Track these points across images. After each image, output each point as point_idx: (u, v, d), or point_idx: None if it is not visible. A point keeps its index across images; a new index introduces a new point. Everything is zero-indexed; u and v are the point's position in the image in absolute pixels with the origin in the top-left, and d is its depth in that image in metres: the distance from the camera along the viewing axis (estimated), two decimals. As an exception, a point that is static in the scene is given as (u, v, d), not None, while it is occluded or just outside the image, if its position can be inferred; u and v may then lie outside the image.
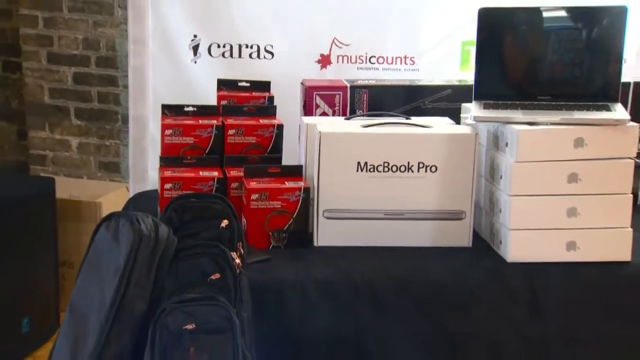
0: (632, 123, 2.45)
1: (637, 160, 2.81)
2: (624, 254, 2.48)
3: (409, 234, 2.53)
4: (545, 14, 2.69)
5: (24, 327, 4.09)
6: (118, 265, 2.15)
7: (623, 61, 2.61)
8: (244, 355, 2.09)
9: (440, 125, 2.62)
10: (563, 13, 2.71)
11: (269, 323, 2.31)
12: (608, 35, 2.62)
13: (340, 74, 3.07)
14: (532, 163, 2.42)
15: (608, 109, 2.50)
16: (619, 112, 2.49)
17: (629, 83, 3.02)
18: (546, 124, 2.43)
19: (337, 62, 3.15)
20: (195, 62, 3.08)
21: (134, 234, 2.17)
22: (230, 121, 2.67)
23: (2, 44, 5.42)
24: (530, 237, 2.45)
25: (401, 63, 3.21)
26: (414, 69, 3.21)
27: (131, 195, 3.05)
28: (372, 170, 2.48)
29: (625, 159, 2.45)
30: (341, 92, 2.86)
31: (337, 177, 2.49)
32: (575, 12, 2.70)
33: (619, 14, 2.59)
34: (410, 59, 3.22)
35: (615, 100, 2.56)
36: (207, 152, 2.65)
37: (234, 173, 2.58)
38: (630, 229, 2.48)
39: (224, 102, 2.78)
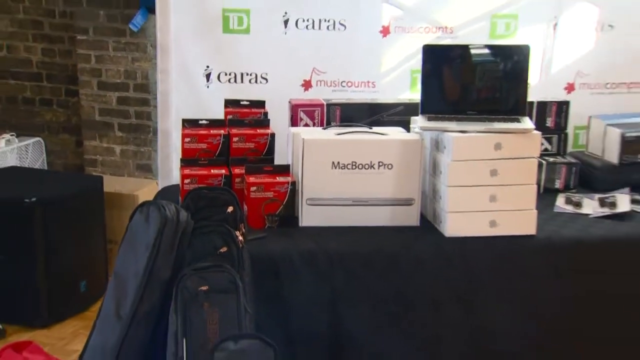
0: (535, 131, 2.47)
1: (540, 159, 2.82)
2: (531, 229, 2.49)
3: (371, 216, 2.51)
4: (473, 50, 2.68)
5: (82, 288, 4.09)
6: (149, 242, 2.16)
7: (528, 85, 2.63)
8: (245, 310, 2.09)
9: (395, 133, 2.61)
10: (486, 50, 2.71)
11: (264, 285, 2.30)
12: (518, 66, 2.62)
13: (319, 94, 3.04)
14: (463, 162, 2.41)
15: (518, 121, 2.50)
16: (527, 123, 2.50)
17: (533, 102, 3.03)
18: (474, 132, 2.43)
19: (317, 85, 3.13)
20: (208, 86, 3.07)
21: (160, 217, 2.17)
22: (234, 131, 2.65)
23: (65, 76, 5.43)
24: (463, 218, 2.45)
25: (365, 86, 3.19)
26: (375, 91, 3.19)
27: (159, 189, 3.03)
28: (343, 167, 2.46)
29: (531, 158, 2.46)
30: (319, 108, 2.85)
31: (317, 173, 2.47)
32: (494, 49, 2.70)
33: (525, 50, 2.61)
34: (372, 83, 3.20)
35: (523, 115, 2.56)
36: (216, 155, 2.62)
37: (237, 171, 2.55)
38: (535, 210, 2.49)
39: (229, 117, 2.76)
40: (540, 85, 3.22)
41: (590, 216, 2.70)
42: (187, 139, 2.65)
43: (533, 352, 2.50)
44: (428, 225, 2.57)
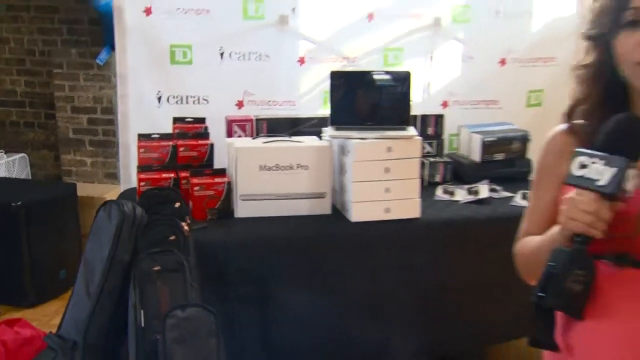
0: (417, 137, 2.49)
1: (423, 159, 2.85)
2: (416, 213, 2.50)
3: (292, 208, 2.49)
4: (369, 75, 2.70)
5: (61, 276, 3.99)
6: (111, 233, 2.16)
7: (411, 102, 2.65)
8: (191, 285, 2.10)
9: (310, 141, 2.60)
10: (379, 75, 2.71)
11: (206, 266, 2.27)
12: (403, 87, 2.63)
13: (250, 112, 3.01)
14: (363, 162, 2.41)
15: (405, 130, 2.52)
16: (411, 131, 2.51)
17: (417, 115, 3.03)
18: (371, 139, 2.44)
19: (248, 105, 3.09)
20: (159, 107, 3.01)
21: (120, 213, 2.17)
22: (180, 142, 2.61)
23: (44, 102, 5.29)
24: (364, 206, 2.44)
25: (287, 105, 3.16)
26: (295, 108, 3.15)
27: (121, 191, 2.97)
28: (269, 169, 2.44)
29: (415, 158, 2.47)
30: (250, 123, 2.83)
31: (248, 174, 2.44)
32: (385, 74, 2.72)
33: (407, 76, 2.64)
34: (292, 102, 3.17)
35: (408, 125, 2.58)
36: (166, 162, 2.58)
37: (183, 174, 2.52)
38: (419, 199, 2.51)
39: (176, 131, 2.72)
40: (422, 103, 3.23)
41: (460, 202, 2.73)
42: (142, 150, 2.60)
43: (419, 303, 2.52)
44: (338, 213, 2.56)
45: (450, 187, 2.89)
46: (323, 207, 2.52)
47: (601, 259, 1.22)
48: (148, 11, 2.95)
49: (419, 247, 2.49)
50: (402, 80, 2.66)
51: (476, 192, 2.80)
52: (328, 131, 2.58)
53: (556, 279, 1.17)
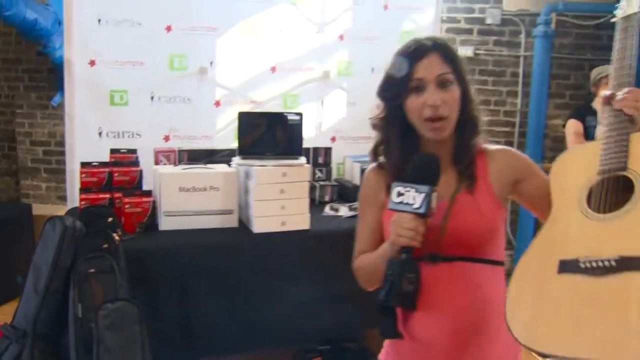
0: (307, 165, 2.55)
1: (314, 183, 2.94)
2: (306, 226, 2.54)
3: (206, 222, 2.48)
4: (270, 115, 2.77)
5: (18, 281, 3.81)
6: (55, 242, 2.12)
7: (303, 137, 2.72)
8: (120, 285, 2.07)
9: (221, 167, 2.61)
10: (279, 115, 2.76)
11: (135, 269, 2.25)
12: (296, 125, 2.69)
13: (175, 144, 3.01)
14: (263, 185, 2.44)
15: (297, 159, 2.56)
16: (302, 160, 2.56)
17: (310, 148, 3.10)
18: (269, 166, 2.47)
19: (173, 138, 3.09)
20: (100, 140, 2.98)
21: (62, 226, 2.13)
22: (115, 169, 2.58)
23: (7, 137, 5.09)
24: (264, 220, 2.46)
25: (205, 139, 3.17)
26: (212, 141, 3.17)
27: (68, 209, 2.93)
28: (187, 190, 2.44)
29: (305, 181, 2.53)
30: (173, 153, 2.83)
31: (170, 195, 2.43)
32: (283, 115, 2.76)
33: (300, 116, 2.70)
34: (209, 137, 3.18)
35: (300, 155, 2.63)
36: (103, 185, 2.55)
37: (117, 195, 2.48)
38: (309, 214, 2.54)
39: (113, 160, 2.69)
40: (315, 137, 3.30)
41: (343, 217, 2.80)
42: (83, 175, 2.55)
43: (310, 297, 2.50)
44: (243, 226, 2.57)
45: (336, 205, 2.94)
46: (231, 221, 2.53)
47: (421, 260, 1.30)
48: (92, 63, 2.93)
49: (309, 253, 2.51)
50: (296, 119, 2.73)
51: (356, 209, 2.85)
52: (236, 160, 2.61)
53: (394, 283, 1.25)
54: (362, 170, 3.11)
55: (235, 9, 3.18)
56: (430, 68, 1.30)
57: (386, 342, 1.46)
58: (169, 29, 3.05)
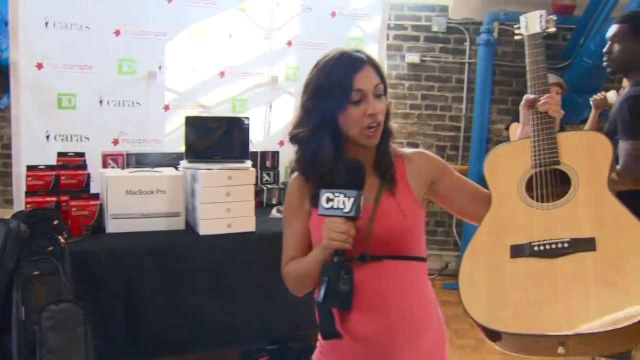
0: (252, 168, 2.60)
1: (262, 186, 3.00)
2: (252, 228, 2.60)
3: (154, 224, 2.51)
4: (217, 119, 2.82)
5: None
6: (-2, 245, 2.11)
7: (250, 140, 2.78)
8: (64, 286, 2.07)
9: (168, 171, 2.64)
10: (226, 120, 2.83)
11: (82, 271, 2.28)
12: (243, 129, 2.75)
13: (124, 148, 3.04)
14: (208, 188, 2.49)
15: (243, 162, 2.62)
16: (248, 164, 2.62)
17: (257, 152, 3.16)
18: (215, 169, 2.52)
19: (122, 142, 3.11)
20: (48, 143, 2.97)
21: (6, 228, 2.13)
22: (62, 172, 2.59)
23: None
24: (210, 222, 2.50)
25: (154, 142, 3.20)
26: (161, 145, 3.20)
27: (14, 212, 2.91)
28: (134, 193, 2.46)
29: (250, 185, 2.57)
30: (121, 157, 2.85)
31: (116, 197, 2.46)
32: (230, 119, 2.83)
33: (246, 121, 2.76)
34: (159, 140, 3.21)
35: (246, 158, 2.68)
36: (50, 188, 2.56)
37: (64, 198, 2.50)
38: (254, 216, 2.59)
39: (60, 163, 2.69)
40: (263, 142, 3.37)
41: None
42: (29, 178, 2.56)
43: (256, 296, 2.55)
44: (190, 228, 2.60)
45: (282, 208, 3.01)
46: (178, 224, 2.56)
47: (351, 261, 1.38)
48: (40, 66, 2.93)
49: (255, 254, 2.55)
50: (242, 124, 2.77)
51: None
52: (183, 163, 2.65)
53: (332, 285, 1.32)
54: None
55: (185, 14, 3.22)
56: (368, 79, 1.39)
57: (320, 343, 1.52)
58: (117, 33, 3.08)
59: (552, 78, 3.73)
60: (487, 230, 1.37)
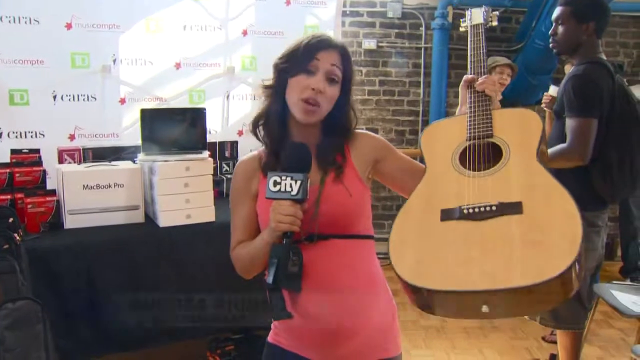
0: (209, 159, 2.60)
1: (223, 176, 2.99)
2: (211, 217, 2.59)
3: (112, 218, 2.50)
4: (174, 111, 2.80)
5: None
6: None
7: (207, 132, 2.78)
8: (22, 284, 2.06)
9: (125, 164, 2.63)
10: (183, 111, 2.83)
11: (41, 267, 2.25)
12: (200, 120, 2.75)
13: (80, 143, 3.00)
14: (166, 179, 2.48)
15: (201, 153, 2.62)
16: (205, 154, 2.61)
17: (216, 142, 3.17)
18: (172, 160, 2.51)
19: (79, 137, 3.09)
20: (1, 141, 2.94)
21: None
22: (17, 169, 2.55)
23: None
24: (169, 214, 2.50)
25: (112, 136, 3.19)
26: (119, 139, 3.18)
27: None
28: (91, 188, 2.45)
29: (208, 175, 2.56)
30: (77, 152, 2.81)
31: (73, 193, 2.43)
32: (187, 110, 2.82)
33: (203, 111, 2.77)
34: (116, 134, 3.20)
35: (204, 149, 2.69)
36: (4, 186, 2.51)
37: (19, 195, 2.46)
38: (214, 206, 2.59)
39: (14, 160, 2.64)
40: (222, 132, 3.39)
41: None
42: (-16, 176, 2.53)
43: (217, 284, 2.48)
44: (150, 220, 2.60)
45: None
46: (137, 217, 2.56)
47: (300, 242, 1.41)
48: (-11, 62, 2.89)
49: (216, 244, 2.48)
50: (199, 114, 2.78)
51: None
52: (140, 156, 2.64)
53: (281, 267, 1.34)
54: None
55: (138, 5, 3.20)
56: (328, 58, 1.43)
57: (275, 324, 1.56)
58: (69, 26, 3.04)
59: (503, 60, 3.81)
60: (419, 196, 1.41)
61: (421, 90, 4.80)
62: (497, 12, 1.73)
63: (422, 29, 4.69)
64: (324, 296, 1.43)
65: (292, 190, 1.34)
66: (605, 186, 2.50)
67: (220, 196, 2.97)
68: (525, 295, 1.16)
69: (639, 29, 4.78)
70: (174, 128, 2.73)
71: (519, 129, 1.45)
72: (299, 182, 1.34)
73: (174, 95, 3.30)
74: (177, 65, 3.30)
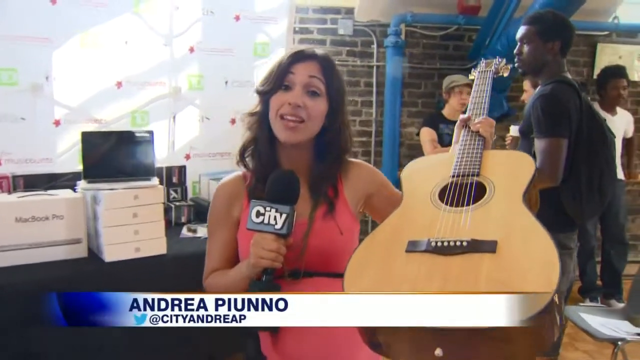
0: (160, 186, 2.53)
1: (169, 204, 2.88)
2: (162, 250, 2.52)
3: (51, 254, 2.37)
4: (118, 134, 2.69)
5: None
6: None
7: (154, 157, 2.67)
8: None
9: (64, 193, 2.51)
10: (128, 134, 2.72)
11: None
12: (147, 144, 2.69)
13: (8, 169, 2.85)
14: (113, 210, 2.38)
15: (149, 180, 2.55)
16: (155, 181, 2.55)
17: (163, 167, 3.07)
18: (119, 189, 2.42)
19: (5, 163, 2.89)
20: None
21: None
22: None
23: None
24: (116, 248, 2.40)
25: (45, 162, 3.00)
26: (53, 165, 3.01)
27: None
28: (24, 221, 2.31)
29: (159, 203, 2.49)
30: (6, 180, 2.70)
31: (4, 226, 2.29)
32: (133, 133, 2.72)
33: (150, 134, 2.71)
34: (50, 159, 3.03)
35: (153, 175, 2.62)
36: None
37: None
38: (165, 238, 2.51)
39: None
40: (168, 156, 3.28)
41: (202, 238, 2.78)
42: None
43: None
44: (94, 255, 2.48)
45: (194, 226, 2.93)
46: (79, 251, 2.43)
47: (282, 277, 1.33)
48: None
49: (168, 278, 2.46)
50: (146, 138, 2.70)
51: None
52: (81, 184, 2.52)
53: None
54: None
55: (72, 18, 3.06)
56: (304, 70, 1.37)
57: None
58: (-10, 39, 2.87)
59: (462, 79, 3.87)
60: (389, 224, 1.35)
61: (374, 110, 4.80)
62: (510, 65, 1.82)
63: (374, 46, 4.71)
64: (303, 338, 1.36)
65: (276, 223, 1.27)
66: (576, 206, 2.54)
67: (169, 226, 2.86)
68: (485, 342, 1.09)
69: (589, 48, 4.98)
70: (120, 153, 2.64)
71: (509, 170, 1.42)
72: (284, 216, 1.27)
73: (115, 117, 3.17)
74: (118, 85, 3.17)
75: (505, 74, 1.80)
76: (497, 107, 4.61)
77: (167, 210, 2.92)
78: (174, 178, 3.15)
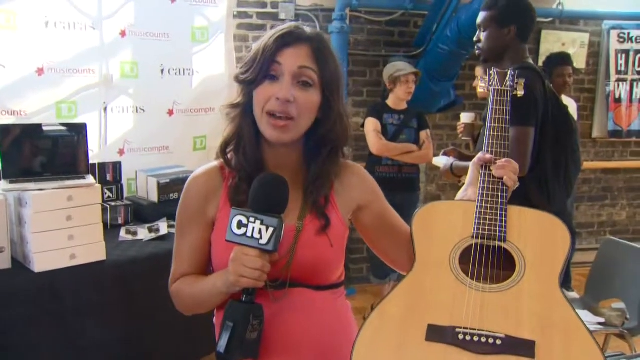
0: (97, 185, 2.37)
1: (104, 204, 2.70)
2: (102, 256, 2.37)
3: None
4: (44, 127, 2.49)
5: None
6: None
7: (88, 152, 2.49)
8: None
9: None
10: (56, 127, 2.52)
11: None
12: (79, 138, 2.50)
13: None
14: (42, 213, 2.19)
15: (84, 178, 2.37)
16: (90, 179, 2.38)
17: (96, 163, 2.91)
18: (49, 189, 2.23)
19: None
20: None
21: None
22: None
23: None
24: (48, 256, 2.22)
25: None
26: None
27: None
28: None
29: (96, 204, 2.35)
30: None
31: None
32: (62, 126, 2.53)
33: (83, 127, 2.53)
34: None
35: (87, 173, 2.46)
36: None
37: None
38: (104, 242, 2.37)
39: None
40: (100, 152, 3.09)
41: (143, 240, 2.66)
42: None
43: (119, 338, 2.39)
44: (20, 265, 2.28)
45: (133, 228, 2.77)
46: (2, 262, 2.22)
47: (263, 288, 1.20)
48: None
49: (108, 286, 2.35)
50: (77, 131, 2.51)
51: (157, 230, 2.73)
52: (1, 185, 2.31)
53: (237, 335, 1.13)
54: (159, 185, 2.98)
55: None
56: (293, 58, 1.22)
57: None
58: None
59: (408, 68, 3.82)
60: (403, 301, 1.21)
61: (317, 100, 4.73)
62: (524, 80, 1.58)
63: (317, 32, 4.63)
64: (291, 355, 1.26)
65: (261, 237, 1.13)
66: (542, 195, 2.54)
67: (105, 228, 2.67)
68: None
69: (534, 34, 5.03)
70: (47, 149, 2.45)
71: (540, 241, 1.28)
72: (271, 230, 1.13)
73: (37, 109, 2.94)
74: (40, 71, 2.94)
75: (521, 93, 1.57)
76: (445, 95, 4.62)
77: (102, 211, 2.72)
78: (108, 175, 2.96)
